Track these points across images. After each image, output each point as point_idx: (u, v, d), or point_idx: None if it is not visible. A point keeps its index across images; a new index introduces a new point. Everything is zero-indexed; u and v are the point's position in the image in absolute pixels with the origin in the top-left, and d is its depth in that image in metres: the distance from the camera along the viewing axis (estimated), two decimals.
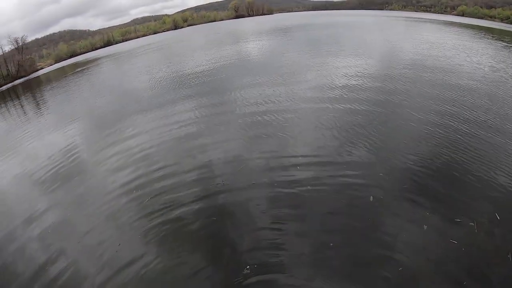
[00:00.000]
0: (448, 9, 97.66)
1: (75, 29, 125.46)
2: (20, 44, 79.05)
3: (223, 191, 9.10)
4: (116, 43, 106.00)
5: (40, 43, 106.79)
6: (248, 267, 6.48)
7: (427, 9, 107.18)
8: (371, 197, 8.02)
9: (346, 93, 15.51)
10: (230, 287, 6.16)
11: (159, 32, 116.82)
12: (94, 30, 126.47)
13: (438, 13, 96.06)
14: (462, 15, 79.98)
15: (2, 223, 9.61)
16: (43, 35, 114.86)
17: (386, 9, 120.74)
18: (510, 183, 8.03)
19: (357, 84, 16.71)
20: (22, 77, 67.39)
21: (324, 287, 5.90)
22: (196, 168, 10.51)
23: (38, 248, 8.15)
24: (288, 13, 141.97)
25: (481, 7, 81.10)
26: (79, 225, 8.74)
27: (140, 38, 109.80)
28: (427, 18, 67.60)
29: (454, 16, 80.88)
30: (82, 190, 10.60)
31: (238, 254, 6.86)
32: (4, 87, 58.12)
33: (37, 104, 29.55)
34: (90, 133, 16.43)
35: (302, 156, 10.31)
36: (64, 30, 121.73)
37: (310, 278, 6.08)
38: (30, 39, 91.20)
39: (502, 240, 6.45)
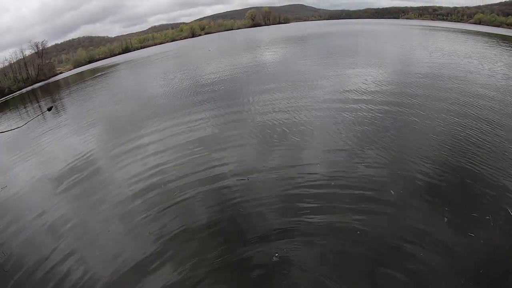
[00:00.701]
0: (465, 17, 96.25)
1: (94, 35, 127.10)
2: (40, 48, 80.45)
3: (248, 187, 9.30)
4: (134, 50, 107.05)
5: (59, 48, 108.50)
6: (277, 254, 6.70)
7: (444, 17, 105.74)
8: (392, 191, 8.23)
9: (363, 99, 15.57)
10: (262, 272, 6.36)
11: (176, 40, 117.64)
12: (112, 36, 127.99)
13: (455, 21, 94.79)
14: (479, 23, 78.62)
15: (19, 219, 9.79)
16: (62, 41, 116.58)
17: (402, 18, 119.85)
18: None
19: (373, 91, 16.75)
20: (41, 80, 68.72)
21: (349, 275, 6.05)
22: (214, 167, 10.70)
23: (53, 243, 8.25)
24: (305, 22, 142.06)
25: (498, 15, 79.81)
26: (94, 223, 8.88)
27: (158, 45, 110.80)
28: (444, 26, 67.03)
29: (471, 24, 79.62)
30: (98, 190, 10.75)
31: (266, 243, 7.04)
32: (24, 90, 59.40)
33: (55, 107, 29.94)
34: (106, 135, 16.71)
35: (323, 155, 10.56)
36: (83, 36, 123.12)
37: (336, 267, 6.24)
38: (50, 44, 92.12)
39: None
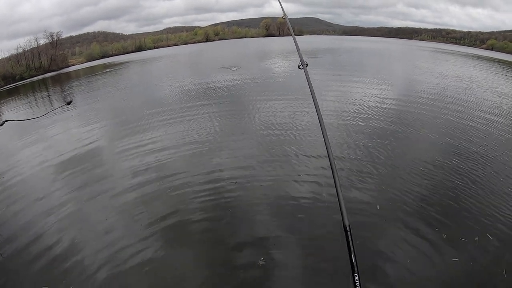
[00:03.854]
0: (478, 42, 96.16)
1: (109, 31, 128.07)
2: (55, 39, 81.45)
3: (236, 190, 9.35)
4: (148, 49, 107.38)
5: (74, 41, 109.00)
6: (262, 258, 6.60)
7: (457, 41, 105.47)
8: (378, 206, 8.18)
9: (362, 114, 15.74)
10: (247, 278, 6.25)
11: (190, 43, 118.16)
12: (127, 34, 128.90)
13: (468, 45, 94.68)
14: (491, 49, 78.51)
15: (21, 205, 9.76)
16: (77, 33, 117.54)
17: (416, 39, 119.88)
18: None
19: (374, 107, 16.93)
20: (53, 70, 69.23)
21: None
22: (211, 168, 10.78)
23: (50, 230, 8.26)
24: (318, 36, 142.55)
25: (511, 42, 79.53)
26: (93, 213, 8.89)
27: (171, 47, 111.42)
28: (456, 50, 66.75)
29: (483, 49, 79.45)
30: (98, 180, 10.81)
31: (252, 247, 6.99)
32: (35, 78, 60.01)
33: (64, 97, 30.70)
34: (110, 128, 16.91)
35: (316, 166, 10.70)
36: (98, 31, 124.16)
37: (322, 277, 6.16)
38: (64, 35, 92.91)
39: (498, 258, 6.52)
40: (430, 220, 7.68)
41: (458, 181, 9.47)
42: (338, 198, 2.14)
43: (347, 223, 2.02)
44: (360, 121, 14.83)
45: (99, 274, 6.60)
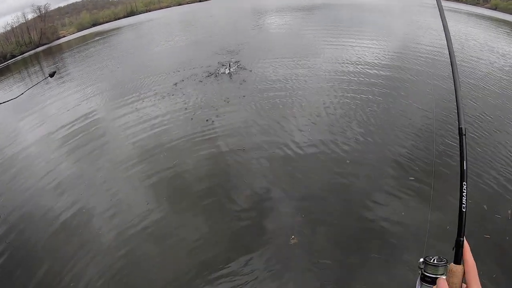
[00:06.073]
0: (481, 1, 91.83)
1: None
2: (43, 12, 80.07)
3: (241, 158, 9.16)
4: (140, 13, 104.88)
5: (63, 12, 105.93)
6: (293, 236, 6.26)
7: None
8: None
9: (356, 76, 14.94)
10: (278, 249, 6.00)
11: (183, 4, 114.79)
12: (117, 0, 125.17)
13: (470, 4, 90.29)
14: (495, 9, 74.56)
15: (24, 175, 10.21)
16: (66, 4, 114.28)
17: None
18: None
19: (368, 69, 15.85)
20: (44, 44, 67.76)
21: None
22: (213, 133, 10.68)
23: (54, 197, 8.56)
24: None
25: None
26: (95, 179, 9.16)
27: (164, 9, 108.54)
28: (457, 8, 63.05)
29: (486, 9, 75.16)
30: (99, 148, 11.06)
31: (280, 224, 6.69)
32: (26, 54, 58.91)
33: (57, 69, 30.07)
34: (106, 96, 16.76)
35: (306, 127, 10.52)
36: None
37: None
38: (53, 7, 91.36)
39: None
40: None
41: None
42: (456, 98, 1.81)
43: (463, 125, 1.74)
44: (360, 76, 14.72)
45: (106, 233, 6.93)
